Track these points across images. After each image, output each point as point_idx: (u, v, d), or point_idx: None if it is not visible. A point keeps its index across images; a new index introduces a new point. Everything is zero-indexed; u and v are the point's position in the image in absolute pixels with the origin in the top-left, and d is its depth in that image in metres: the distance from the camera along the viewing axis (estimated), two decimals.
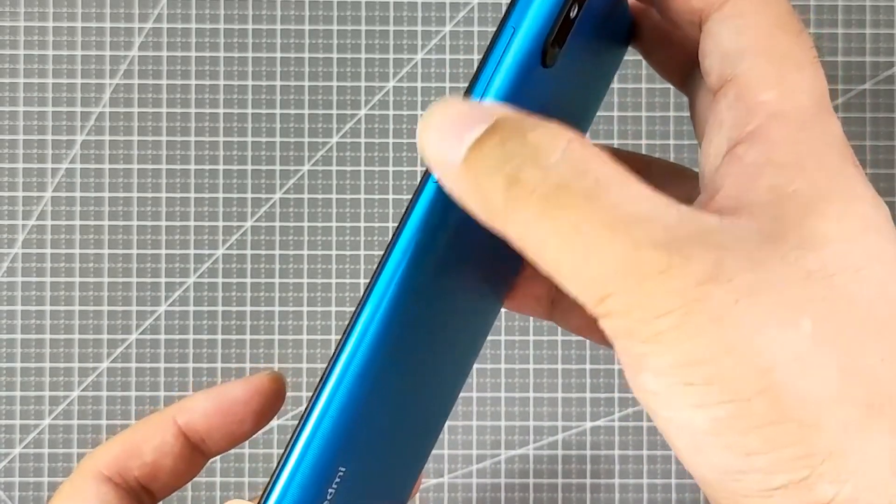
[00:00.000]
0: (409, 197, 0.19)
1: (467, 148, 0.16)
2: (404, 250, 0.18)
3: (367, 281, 0.20)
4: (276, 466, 0.19)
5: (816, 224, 0.16)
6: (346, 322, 0.19)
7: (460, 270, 0.20)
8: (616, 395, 0.38)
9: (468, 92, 0.18)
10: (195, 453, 0.24)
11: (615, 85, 0.38)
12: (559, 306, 0.24)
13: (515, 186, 0.16)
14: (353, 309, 0.38)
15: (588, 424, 0.38)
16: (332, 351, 0.19)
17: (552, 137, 0.16)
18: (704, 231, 0.16)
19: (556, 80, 0.19)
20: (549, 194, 0.15)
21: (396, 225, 0.19)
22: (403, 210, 0.19)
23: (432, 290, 0.20)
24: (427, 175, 0.19)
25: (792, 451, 0.15)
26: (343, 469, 0.19)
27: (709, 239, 0.15)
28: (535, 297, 0.24)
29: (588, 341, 0.38)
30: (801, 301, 0.15)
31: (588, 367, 0.38)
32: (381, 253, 0.38)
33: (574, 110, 0.22)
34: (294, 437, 0.19)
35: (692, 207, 0.16)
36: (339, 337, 0.38)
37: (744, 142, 0.17)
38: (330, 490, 0.19)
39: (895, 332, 0.16)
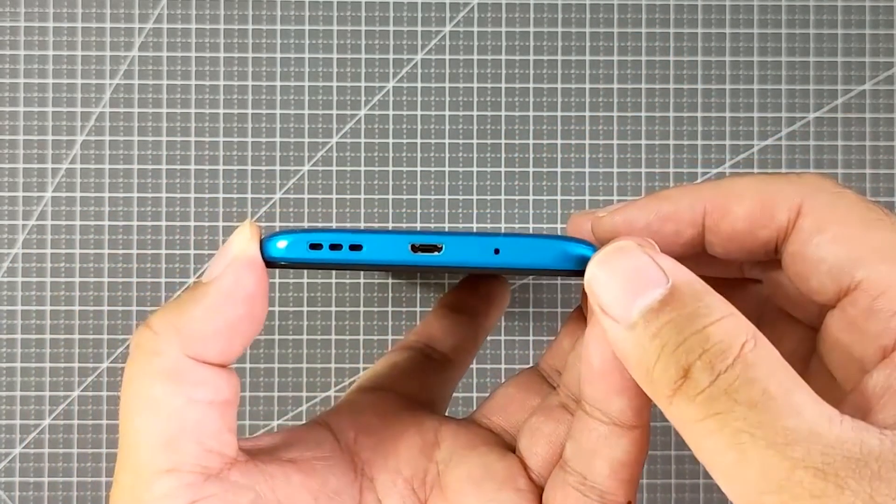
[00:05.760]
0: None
1: (639, 313, 0.16)
2: None
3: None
4: None
5: None
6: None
7: None
8: None
9: None
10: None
11: (614, 85, 0.38)
12: None
13: (686, 382, 0.15)
14: (352, 309, 0.38)
15: None
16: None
17: (730, 335, 0.16)
18: (864, 455, 0.15)
19: None
20: (715, 397, 0.15)
21: None
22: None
23: None
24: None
25: None
26: None
27: (866, 467, 0.15)
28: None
29: None
30: None
31: None
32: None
33: None
34: None
35: (853, 420, 0.16)
36: (338, 336, 0.38)
37: None
38: None
39: None
